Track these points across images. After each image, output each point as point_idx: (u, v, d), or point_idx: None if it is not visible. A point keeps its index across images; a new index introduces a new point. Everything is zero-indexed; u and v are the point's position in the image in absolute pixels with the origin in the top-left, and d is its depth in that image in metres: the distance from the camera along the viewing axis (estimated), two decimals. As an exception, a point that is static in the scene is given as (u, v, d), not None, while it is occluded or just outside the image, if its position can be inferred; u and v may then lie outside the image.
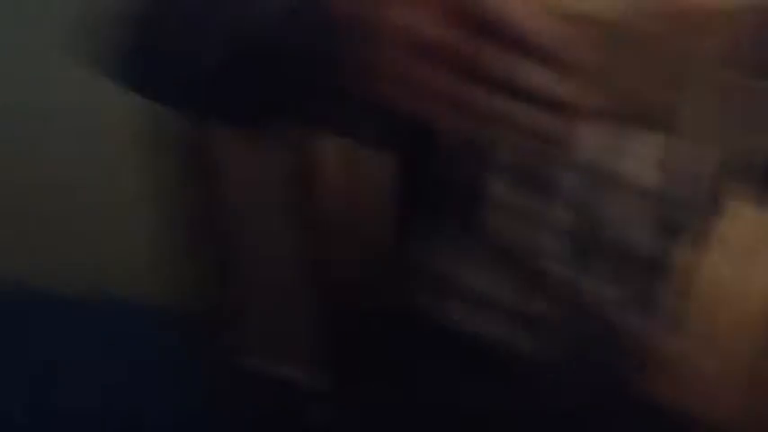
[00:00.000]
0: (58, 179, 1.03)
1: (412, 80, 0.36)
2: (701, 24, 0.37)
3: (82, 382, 0.95)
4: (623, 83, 0.39)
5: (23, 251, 1.02)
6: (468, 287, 0.58)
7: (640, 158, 0.56)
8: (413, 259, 0.61)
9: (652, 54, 0.38)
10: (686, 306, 0.70)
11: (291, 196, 0.67)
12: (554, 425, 0.63)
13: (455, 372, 0.62)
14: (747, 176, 0.56)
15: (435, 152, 0.55)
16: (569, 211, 0.56)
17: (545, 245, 0.57)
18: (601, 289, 0.60)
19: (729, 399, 0.84)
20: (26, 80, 1.01)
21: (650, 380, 0.69)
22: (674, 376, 0.82)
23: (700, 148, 0.55)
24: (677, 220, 0.58)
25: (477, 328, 0.60)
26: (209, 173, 0.60)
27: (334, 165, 0.69)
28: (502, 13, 0.34)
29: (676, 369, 0.83)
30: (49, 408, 0.94)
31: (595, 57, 0.35)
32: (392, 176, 0.61)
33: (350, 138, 0.58)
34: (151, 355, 0.94)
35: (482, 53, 0.34)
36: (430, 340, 0.62)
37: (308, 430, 0.69)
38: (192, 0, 0.48)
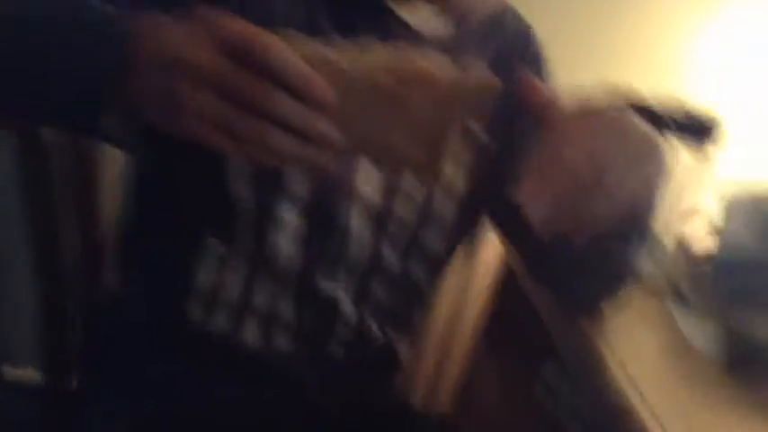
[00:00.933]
0: None
1: (189, 107, 0.37)
2: (428, 88, 0.40)
3: None
4: (361, 127, 0.40)
5: None
6: (242, 301, 0.60)
7: (404, 197, 0.61)
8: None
9: (383, 105, 0.40)
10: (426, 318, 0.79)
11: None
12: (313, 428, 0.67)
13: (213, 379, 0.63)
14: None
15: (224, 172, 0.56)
16: (344, 239, 0.60)
17: (319, 267, 0.61)
18: (358, 303, 0.65)
19: (445, 395, 0.95)
20: None
21: (400, 383, 0.76)
22: (414, 378, 0.92)
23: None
24: (422, 246, 0.65)
25: (247, 339, 0.62)
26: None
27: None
28: (259, 48, 0.36)
29: (416, 372, 0.92)
30: None
31: (337, 100, 0.37)
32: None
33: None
34: None
35: (246, 83, 0.36)
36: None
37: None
38: None
